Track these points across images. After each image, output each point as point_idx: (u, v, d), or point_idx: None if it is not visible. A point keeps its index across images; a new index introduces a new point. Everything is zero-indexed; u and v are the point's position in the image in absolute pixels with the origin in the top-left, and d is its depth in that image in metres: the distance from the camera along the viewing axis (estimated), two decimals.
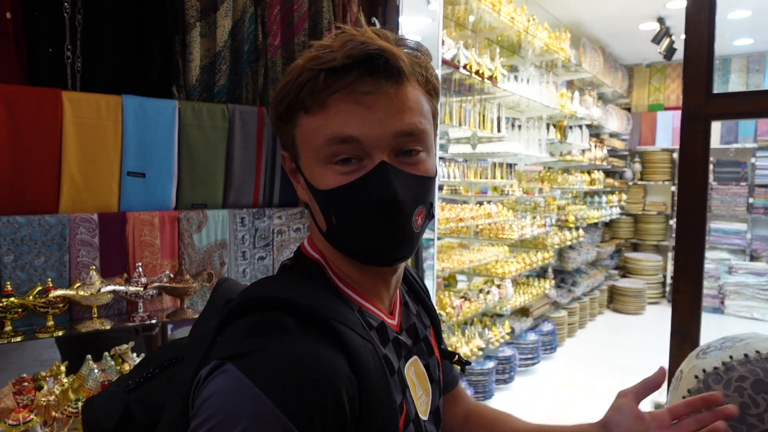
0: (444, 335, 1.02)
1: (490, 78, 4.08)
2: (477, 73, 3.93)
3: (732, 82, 7.17)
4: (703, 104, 1.68)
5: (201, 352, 0.68)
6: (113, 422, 0.75)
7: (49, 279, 1.47)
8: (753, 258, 6.98)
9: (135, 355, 1.70)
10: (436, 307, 1.00)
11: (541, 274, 5.85)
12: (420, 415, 0.78)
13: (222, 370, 0.58)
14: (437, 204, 3.86)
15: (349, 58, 0.66)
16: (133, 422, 0.75)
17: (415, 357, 0.83)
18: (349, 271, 0.77)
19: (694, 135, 1.69)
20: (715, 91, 1.72)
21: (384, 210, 0.68)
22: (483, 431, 1.01)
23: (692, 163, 1.71)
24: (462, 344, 4.01)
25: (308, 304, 0.65)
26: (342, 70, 0.67)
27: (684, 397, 0.87)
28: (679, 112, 1.77)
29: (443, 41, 3.59)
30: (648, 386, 0.84)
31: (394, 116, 0.68)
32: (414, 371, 0.81)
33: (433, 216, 0.77)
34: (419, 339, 0.86)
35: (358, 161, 0.69)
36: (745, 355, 0.86)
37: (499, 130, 4.46)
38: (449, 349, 0.98)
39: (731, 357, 0.87)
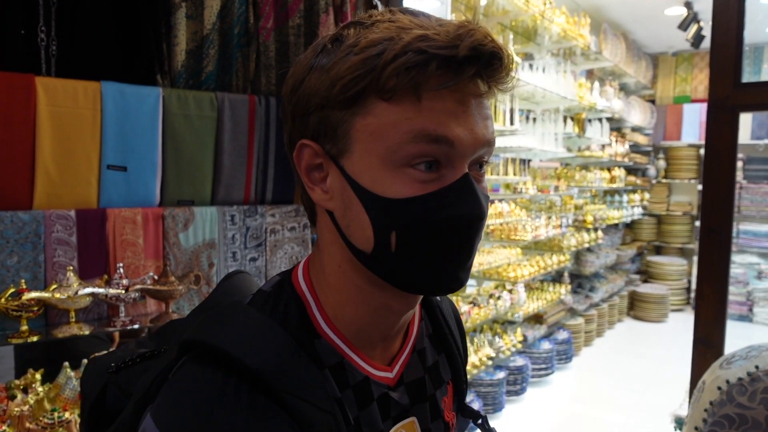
0: None
1: None
2: None
3: (765, 72, 7.12)
4: (730, 94, 1.67)
5: (165, 362, 0.66)
6: (92, 398, 0.79)
7: (23, 280, 1.46)
8: None
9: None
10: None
11: (556, 278, 5.84)
12: None
13: None
14: None
15: (473, 51, 0.60)
16: (105, 403, 0.78)
17: (411, 419, 0.78)
18: (350, 310, 0.71)
19: (720, 127, 1.68)
20: (745, 80, 1.70)
21: (468, 228, 0.65)
22: None
23: (718, 158, 1.69)
24: (470, 353, 3.99)
25: (258, 368, 0.62)
26: (463, 62, 0.60)
27: (706, 410, 0.86)
28: (706, 104, 1.76)
29: None
30: None
31: (482, 123, 0.64)
32: None
33: None
34: (424, 398, 0.80)
35: (437, 169, 0.63)
36: None
37: (512, 123, 4.44)
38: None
39: (757, 367, 0.85)
